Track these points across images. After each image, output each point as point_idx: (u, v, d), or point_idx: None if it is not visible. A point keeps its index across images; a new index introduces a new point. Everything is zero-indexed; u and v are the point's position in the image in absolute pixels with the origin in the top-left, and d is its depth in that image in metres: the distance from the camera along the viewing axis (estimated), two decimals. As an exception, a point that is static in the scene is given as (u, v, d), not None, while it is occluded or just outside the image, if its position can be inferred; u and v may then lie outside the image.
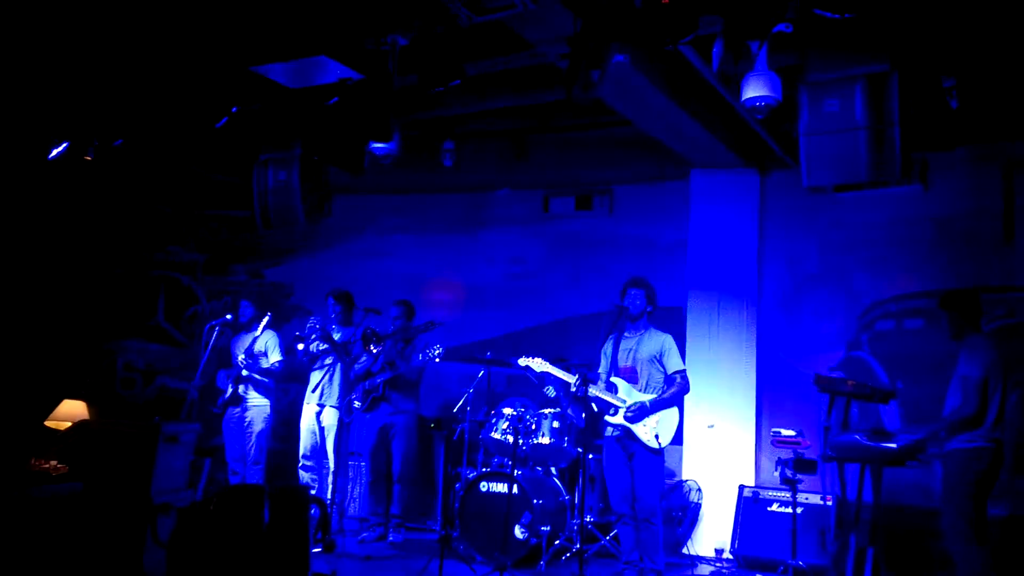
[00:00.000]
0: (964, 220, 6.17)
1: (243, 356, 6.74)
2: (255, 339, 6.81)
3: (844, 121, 4.79)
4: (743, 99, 4.64)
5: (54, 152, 6.49)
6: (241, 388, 6.76)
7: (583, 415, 5.39)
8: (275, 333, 6.94)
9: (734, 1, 4.21)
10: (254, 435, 6.74)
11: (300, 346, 6.66)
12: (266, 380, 6.83)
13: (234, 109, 5.81)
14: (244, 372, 6.73)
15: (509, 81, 6.17)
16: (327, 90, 5.35)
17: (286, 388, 7.66)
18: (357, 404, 6.58)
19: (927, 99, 5.18)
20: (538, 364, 5.68)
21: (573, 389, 5.25)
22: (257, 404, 6.80)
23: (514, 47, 5.30)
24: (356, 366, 6.54)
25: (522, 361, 5.74)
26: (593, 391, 5.29)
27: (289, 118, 6.14)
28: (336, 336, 6.60)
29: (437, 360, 6.33)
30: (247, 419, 6.77)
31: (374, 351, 6.37)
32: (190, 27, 4.95)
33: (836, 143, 4.91)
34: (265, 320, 6.84)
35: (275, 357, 6.83)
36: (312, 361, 6.74)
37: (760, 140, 6.37)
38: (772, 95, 4.57)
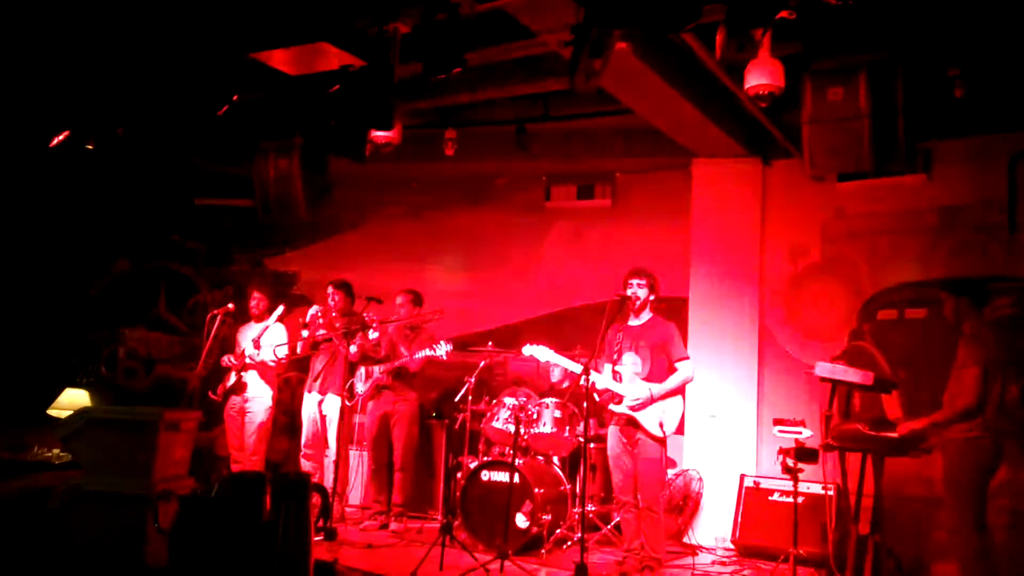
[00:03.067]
0: (969, 210, 6.15)
1: (251, 346, 6.73)
2: (266, 329, 6.80)
3: (848, 109, 4.74)
4: (746, 87, 4.61)
5: (55, 141, 6.48)
6: (245, 376, 6.76)
7: (585, 404, 5.39)
8: (282, 326, 6.94)
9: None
10: (254, 425, 6.74)
11: (305, 333, 6.66)
12: (272, 365, 6.81)
13: (235, 97, 5.80)
14: (248, 359, 6.73)
15: (511, 69, 6.14)
16: (328, 77, 5.33)
17: (287, 378, 7.66)
18: (360, 389, 6.59)
19: (932, 88, 5.15)
20: (543, 352, 5.68)
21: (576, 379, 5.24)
22: (259, 395, 6.79)
23: (516, 35, 5.26)
24: (352, 348, 6.52)
25: (527, 350, 5.75)
26: (597, 380, 5.29)
27: (290, 106, 6.12)
28: (336, 325, 6.60)
29: (444, 358, 6.32)
30: (248, 409, 6.76)
31: (371, 336, 6.37)
32: (191, 14, 4.93)
33: (839, 132, 4.88)
34: (279, 311, 6.84)
35: (283, 349, 6.83)
36: (314, 348, 6.74)
37: (763, 129, 6.34)
38: (775, 83, 4.53)
